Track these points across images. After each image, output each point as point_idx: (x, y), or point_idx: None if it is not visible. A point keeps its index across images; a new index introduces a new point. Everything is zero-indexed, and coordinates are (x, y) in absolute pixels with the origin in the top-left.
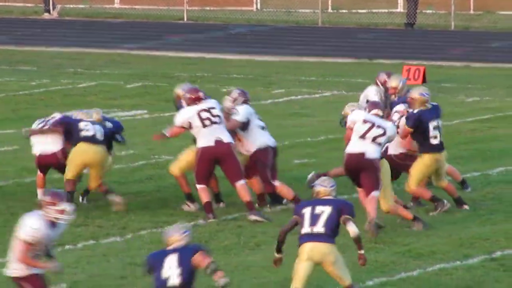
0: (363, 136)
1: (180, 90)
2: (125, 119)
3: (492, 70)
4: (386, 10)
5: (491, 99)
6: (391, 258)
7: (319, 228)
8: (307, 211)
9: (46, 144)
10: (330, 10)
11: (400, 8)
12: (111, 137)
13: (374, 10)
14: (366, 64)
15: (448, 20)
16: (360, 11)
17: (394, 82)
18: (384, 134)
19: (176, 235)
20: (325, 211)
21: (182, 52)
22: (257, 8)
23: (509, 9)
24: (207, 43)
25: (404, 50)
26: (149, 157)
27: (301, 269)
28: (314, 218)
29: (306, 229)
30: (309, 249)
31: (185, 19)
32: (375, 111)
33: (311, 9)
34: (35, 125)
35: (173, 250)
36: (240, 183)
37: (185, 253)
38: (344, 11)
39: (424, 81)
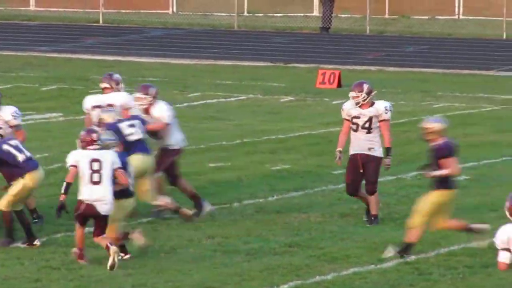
0: None
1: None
2: (40, 122)
3: (407, 74)
4: (302, 14)
5: (405, 103)
6: (306, 262)
7: None
8: None
9: None
10: (246, 13)
11: (316, 12)
12: None
13: (290, 14)
14: (281, 68)
15: (364, 25)
16: (276, 15)
17: None
18: None
19: None
20: None
21: (98, 55)
22: (173, 11)
23: (424, 14)
24: (123, 46)
25: (320, 54)
26: (64, 160)
27: None
28: None
29: None
30: None
31: (101, 22)
32: None
33: (227, 12)
34: None
35: None
36: None
37: None
38: (260, 14)
39: (339, 85)
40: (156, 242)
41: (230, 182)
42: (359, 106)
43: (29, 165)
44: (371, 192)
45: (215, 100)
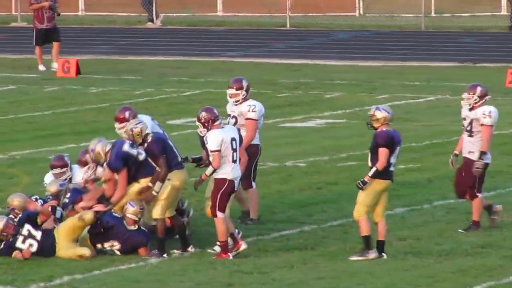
0: None
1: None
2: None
3: None
4: (489, 13)
5: None
6: (499, 262)
7: None
8: None
9: None
10: (433, 14)
11: (504, 11)
12: None
13: (477, 14)
14: (470, 67)
15: None
16: (463, 14)
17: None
18: None
19: None
20: None
21: (286, 59)
22: (359, 13)
23: None
24: (310, 49)
25: (509, 53)
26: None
27: None
28: None
29: None
30: None
31: (288, 26)
32: None
33: (414, 13)
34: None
35: None
36: None
37: None
38: (447, 15)
39: None
40: (347, 245)
41: (420, 183)
42: (470, 109)
43: (175, 165)
44: (470, 196)
45: (403, 102)
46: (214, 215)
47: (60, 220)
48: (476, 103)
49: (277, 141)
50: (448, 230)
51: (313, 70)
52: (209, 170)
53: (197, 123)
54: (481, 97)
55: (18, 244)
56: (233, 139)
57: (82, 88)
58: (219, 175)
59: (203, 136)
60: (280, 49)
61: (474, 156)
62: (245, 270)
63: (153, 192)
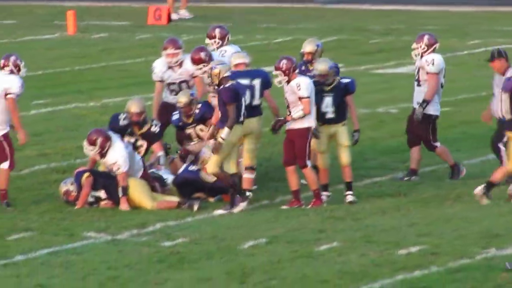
0: None
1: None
2: None
3: None
4: None
5: None
6: None
7: None
8: None
9: None
10: None
11: None
12: None
13: None
14: None
15: None
16: None
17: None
18: None
19: None
20: None
21: (377, 5)
22: None
23: None
24: None
25: None
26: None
27: None
28: None
29: None
30: None
31: None
32: None
33: None
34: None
35: None
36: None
37: None
38: None
39: None
40: (440, 191)
41: None
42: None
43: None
44: (428, 148)
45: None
46: (304, 166)
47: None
48: (424, 52)
49: (368, 88)
50: None
51: (404, 16)
52: (299, 113)
53: (276, 72)
54: (428, 46)
55: (101, 194)
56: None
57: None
58: (305, 123)
59: (281, 86)
60: None
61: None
62: (338, 216)
63: (219, 139)
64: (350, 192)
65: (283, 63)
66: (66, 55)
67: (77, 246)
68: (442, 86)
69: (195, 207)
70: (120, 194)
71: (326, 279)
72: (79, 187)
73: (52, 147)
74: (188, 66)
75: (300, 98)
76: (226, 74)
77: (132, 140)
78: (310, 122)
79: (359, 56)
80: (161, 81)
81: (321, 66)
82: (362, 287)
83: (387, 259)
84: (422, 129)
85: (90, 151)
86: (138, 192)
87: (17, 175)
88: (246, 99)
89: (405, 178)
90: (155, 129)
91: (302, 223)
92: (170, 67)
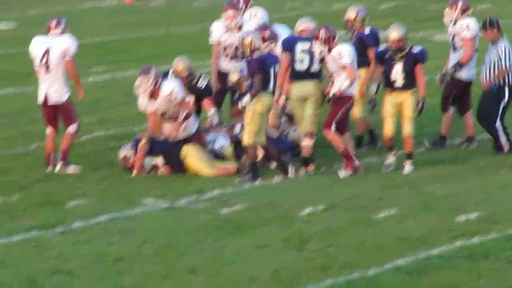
0: None
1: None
2: None
3: None
4: None
5: None
6: None
7: None
8: None
9: None
10: None
11: None
12: None
13: None
14: None
15: None
16: None
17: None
18: None
19: None
20: None
21: None
22: None
23: None
24: None
25: None
26: None
27: None
28: None
29: None
30: None
31: None
32: None
33: None
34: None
35: None
36: None
37: None
38: None
39: None
40: (497, 159)
41: None
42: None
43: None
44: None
45: None
46: (328, 127)
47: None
48: (458, 17)
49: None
50: None
51: None
52: (346, 84)
53: (316, 42)
54: (463, 11)
55: (158, 162)
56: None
57: None
58: (348, 91)
59: (321, 57)
60: None
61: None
62: (396, 184)
63: (239, 105)
64: (409, 162)
65: (322, 33)
66: (124, 22)
67: (135, 213)
68: (477, 50)
69: (255, 179)
70: (182, 117)
71: (384, 246)
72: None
73: (110, 114)
74: (248, 29)
75: (343, 66)
76: (256, 46)
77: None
78: (354, 90)
79: (418, 23)
80: (219, 44)
81: (395, 32)
82: (420, 254)
83: (445, 226)
84: (446, 89)
85: (146, 82)
86: (196, 159)
87: (76, 142)
88: (276, 69)
89: (463, 146)
90: (203, 82)
91: (360, 190)
92: (228, 30)
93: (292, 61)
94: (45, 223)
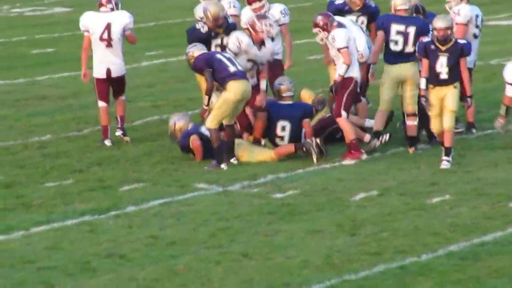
0: None
1: None
2: None
3: None
4: None
5: None
6: None
7: None
8: None
9: None
10: None
11: None
12: None
13: None
14: None
15: None
16: None
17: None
18: None
19: None
20: None
21: None
22: None
23: None
24: None
25: None
26: None
27: None
28: None
29: None
30: None
31: None
32: None
33: None
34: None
35: None
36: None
37: None
38: None
39: None
40: None
41: None
42: None
43: (233, 76)
44: None
45: None
46: (338, 115)
47: None
48: (457, 3)
49: (481, 39)
50: None
51: None
52: (342, 68)
53: (315, 30)
54: None
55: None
56: (354, 39)
57: None
58: (348, 73)
59: (323, 44)
60: None
61: None
62: (449, 169)
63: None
64: (446, 158)
65: (319, 19)
66: (178, 6)
67: (189, 197)
68: (476, 37)
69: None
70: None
71: (437, 232)
72: (183, 145)
73: (164, 98)
74: (275, 13)
75: (338, 50)
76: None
77: (218, 41)
78: (354, 72)
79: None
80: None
81: (442, 21)
82: (473, 239)
83: (498, 212)
84: None
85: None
86: (251, 152)
87: (129, 127)
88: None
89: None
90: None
91: (414, 175)
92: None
93: (386, 41)
94: (99, 207)
